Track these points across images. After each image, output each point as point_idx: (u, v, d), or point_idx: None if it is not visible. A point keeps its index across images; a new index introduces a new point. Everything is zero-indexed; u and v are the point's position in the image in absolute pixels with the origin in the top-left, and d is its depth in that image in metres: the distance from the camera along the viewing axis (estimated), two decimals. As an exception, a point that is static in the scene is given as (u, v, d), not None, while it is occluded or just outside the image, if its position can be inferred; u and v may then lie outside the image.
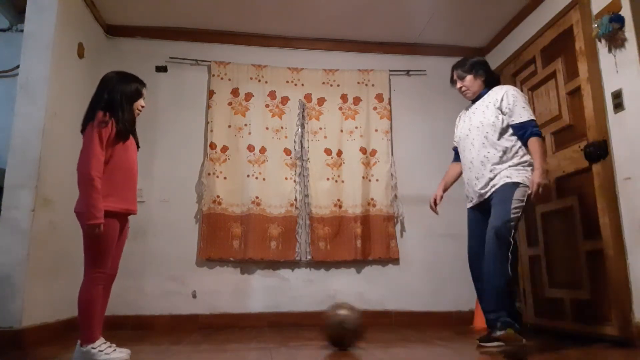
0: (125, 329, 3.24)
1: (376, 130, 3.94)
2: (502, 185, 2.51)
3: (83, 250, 2.09)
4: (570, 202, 3.00)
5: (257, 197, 3.69)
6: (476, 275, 2.67)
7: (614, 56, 2.67)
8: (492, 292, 2.48)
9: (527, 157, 2.54)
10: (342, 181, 3.83)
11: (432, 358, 2.38)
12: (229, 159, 3.75)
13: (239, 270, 3.65)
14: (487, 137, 2.61)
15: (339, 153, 3.88)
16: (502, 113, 2.59)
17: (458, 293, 3.70)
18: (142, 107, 2.31)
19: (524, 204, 2.47)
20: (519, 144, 2.56)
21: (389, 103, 4.02)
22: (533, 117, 2.56)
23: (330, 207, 3.78)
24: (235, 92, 3.85)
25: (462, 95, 2.82)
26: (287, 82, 3.93)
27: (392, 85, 4.09)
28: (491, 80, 2.77)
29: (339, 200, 3.80)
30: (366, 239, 3.75)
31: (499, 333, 2.40)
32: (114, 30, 3.82)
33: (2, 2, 3.34)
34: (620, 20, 2.59)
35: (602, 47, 2.76)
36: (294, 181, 3.79)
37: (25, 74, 2.84)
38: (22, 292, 2.60)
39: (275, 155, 3.80)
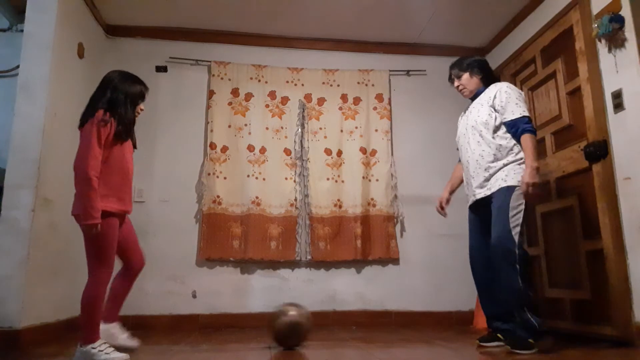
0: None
1: (376, 130, 3.94)
2: (498, 191, 2.48)
3: (85, 251, 2.09)
4: (570, 202, 3.00)
5: (257, 197, 3.69)
6: (477, 275, 2.67)
7: (614, 56, 2.67)
8: (504, 304, 2.48)
9: (522, 155, 2.51)
10: (342, 181, 3.83)
11: (432, 358, 2.37)
12: (229, 159, 3.75)
13: (239, 270, 3.65)
14: (481, 136, 2.59)
15: (339, 153, 3.88)
16: (495, 110, 2.57)
17: (458, 293, 3.70)
18: (142, 110, 2.32)
19: (522, 207, 2.43)
20: (514, 141, 2.53)
21: (389, 103, 4.02)
22: (526, 114, 2.51)
23: (330, 207, 3.77)
24: (235, 92, 3.85)
25: (460, 94, 2.83)
26: (287, 82, 3.93)
27: (392, 85, 4.09)
28: (490, 79, 2.76)
29: (339, 200, 3.80)
30: (366, 239, 3.74)
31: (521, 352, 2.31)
32: (114, 30, 3.82)
33: (2, 2, 3.34)
34: (620, 21, 2.58)
35: (602, 47, 2.76)
36: (294, 181, 3.79)
37: (25, 74, 2.84)
38: (22, 292, 2.60)
39: (275, 155, 3.80)
